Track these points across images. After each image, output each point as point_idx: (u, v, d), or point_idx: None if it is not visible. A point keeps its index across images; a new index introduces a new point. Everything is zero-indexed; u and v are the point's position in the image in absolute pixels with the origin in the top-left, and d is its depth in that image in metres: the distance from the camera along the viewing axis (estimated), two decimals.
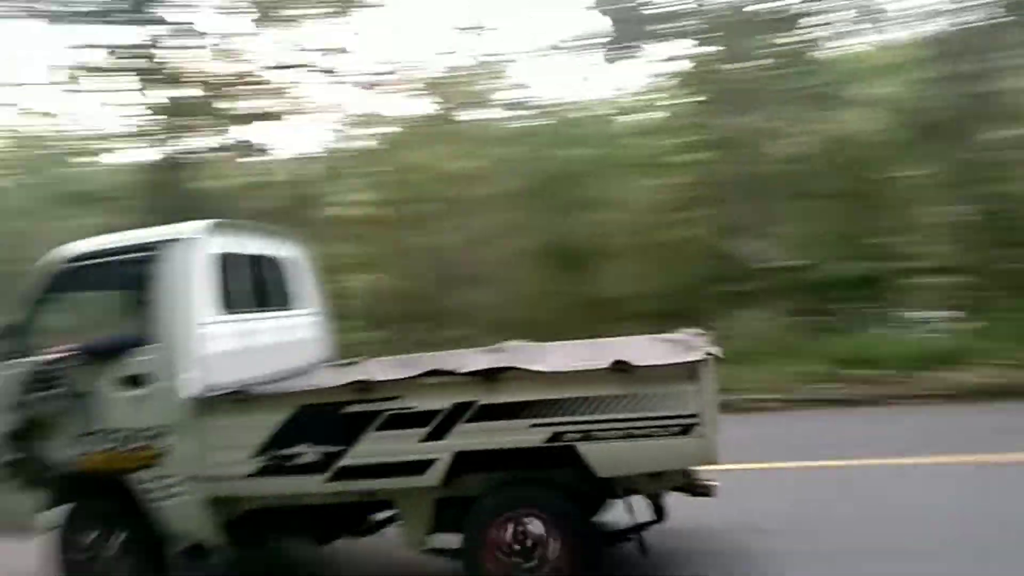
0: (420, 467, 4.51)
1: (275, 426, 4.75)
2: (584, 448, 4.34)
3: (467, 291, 17.74)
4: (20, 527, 5.41)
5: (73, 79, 17.55)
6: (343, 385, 4.76)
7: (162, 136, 16.89)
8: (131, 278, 5.21)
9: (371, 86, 18.12)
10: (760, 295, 15.46)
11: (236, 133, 18.22)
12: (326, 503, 4.97)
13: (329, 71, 17.32)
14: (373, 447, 4.59)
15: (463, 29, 18.41)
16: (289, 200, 18.39)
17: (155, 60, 16.28)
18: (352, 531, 5.54)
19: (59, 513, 5.46)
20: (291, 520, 5.23)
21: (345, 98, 18.93)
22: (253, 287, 5.94)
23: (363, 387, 4.68)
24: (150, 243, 5.29)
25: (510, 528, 4.52)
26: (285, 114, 18.22)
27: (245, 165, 19.60)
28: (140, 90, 17.65)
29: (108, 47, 16.99)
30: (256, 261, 6.09)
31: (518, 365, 4.65)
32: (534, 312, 16.69)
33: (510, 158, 18.48)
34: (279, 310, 6.32)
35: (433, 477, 4.54)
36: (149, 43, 16.18)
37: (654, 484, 4.73)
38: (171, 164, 16.17)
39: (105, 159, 21.80)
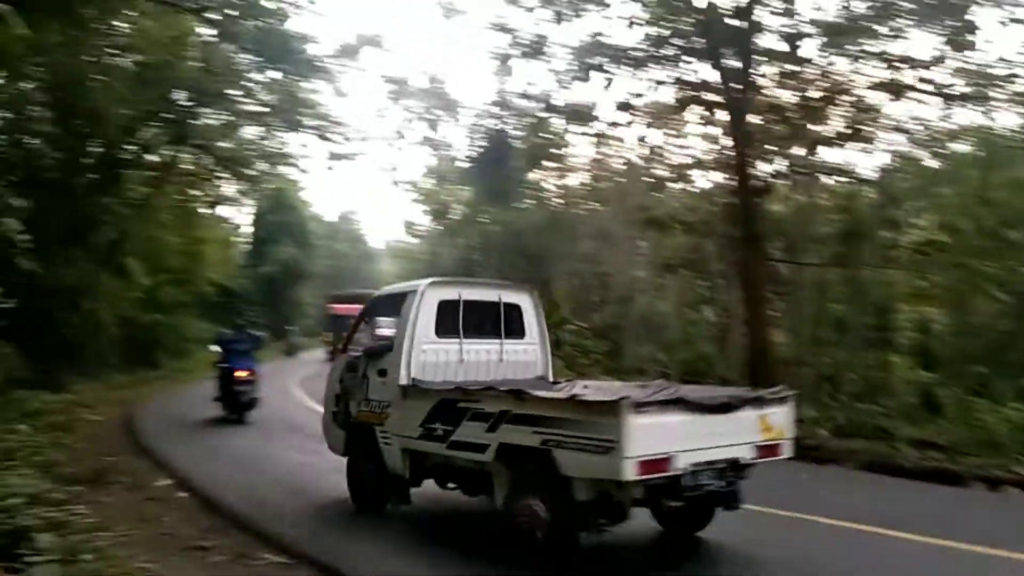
0: (483, 448, 6.55)
1: (429, 409, 7.23)
2: (556, 452, 5.94)
3: None
4: (336, 449, 8.73)
5: (652, 115, 19.55)
6: (455, 388, 7.27)
7: (735, 162, 17.58)
8: (395, 311, 8.16)
9: (960, 97, 16.11)
10: None
11: (808, 156, 18.09)
12: (450, 464, 7.28)
13: (937, 86, 15.80)
14: (465, 430, 6.73)
15: None
16: (847, 224, 17.61)
17: (732, 91, 16.98)
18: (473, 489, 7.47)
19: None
20: (447, 474, 7.59)
21: (924, 113, 17.25)
22: (464, 322, 8.21)
23: (463, 392, 7.04)
24: (404, 292, 8.40)
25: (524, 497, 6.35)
26: (870, 134, 17.35)
27: (812, 188, 19.47)
28: (712, 120, 18.78)
29: (686, 83, 18.35)
30: (470, 305, 8.32)
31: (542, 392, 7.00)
32: None
33: None
34: (489, 339, 8.46)
35: (488, 456, 6.52)
36: (734, 75, 16.75)
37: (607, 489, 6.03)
38: (744, 189, 16.54)
39: (681, 186, 23.94)
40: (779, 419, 6.85)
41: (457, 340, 8.12)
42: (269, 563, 6.03)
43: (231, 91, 26.23)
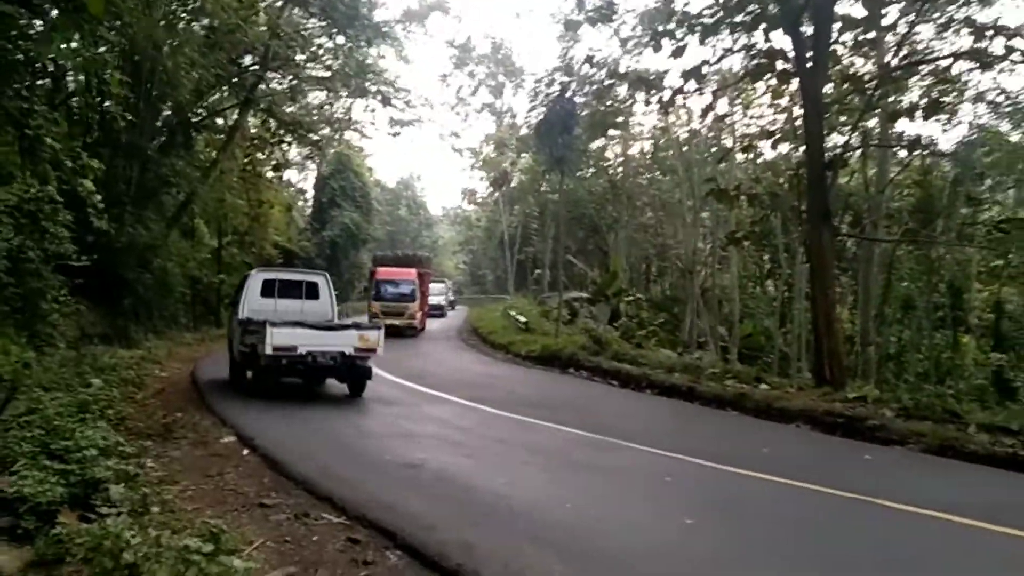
0: (250, 344, 13.36)
1: (241, 330, 13.86)
2: (258, 343, 12.38)
3: None
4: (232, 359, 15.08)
5: (721, 84, 19.07)
6: (243, 320, 14.06)
7: (806, 134, 17.05)
8: (242, 284, 15.46)
9: None
10: None
11: (885, 128, 17.44)
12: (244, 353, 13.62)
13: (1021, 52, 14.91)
14: (247, 338, 13.41)
15: None
16: (922, 199, 16.97)
17: (806, 60, 16.40)
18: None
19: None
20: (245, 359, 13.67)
21: (1012, 84, 16.46)
22: (279, 290, 14.98)
23: (245, 322, 13.87)
24: (246, 275, 16.07)
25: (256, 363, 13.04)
26: (951, 105, 16.60)
27: (884, 161, 18.83)
28: (782, 91, 18.20)
29: (758, 51, 17.77)
30: (283, 282, 15.29)
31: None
32: None
33: None
34: (295, 299, 15.02)
35: (247, 347, 13.28)
36: (808, 42, 16.17)
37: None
38: (814, 161, 16.02)
39: (748, 157, 23.36)
40: (373, 336, 13.18)
41: (273, 300, 14.83)
42: (328, 523, 6.16)
43: (298, 56, 26.49)
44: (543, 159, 29.28)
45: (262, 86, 27.39)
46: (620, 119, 27.02)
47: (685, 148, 28.76)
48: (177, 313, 26.94)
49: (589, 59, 20.32)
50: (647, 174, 38.75)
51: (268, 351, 12.00)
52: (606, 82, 20.37)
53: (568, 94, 22.74)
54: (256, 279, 14.92)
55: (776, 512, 7.07)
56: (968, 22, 14.97)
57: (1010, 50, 14.53)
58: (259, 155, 32.24)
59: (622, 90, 21.29)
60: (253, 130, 31.24)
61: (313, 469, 7.82)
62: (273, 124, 30.30)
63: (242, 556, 4.68)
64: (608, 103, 22.55)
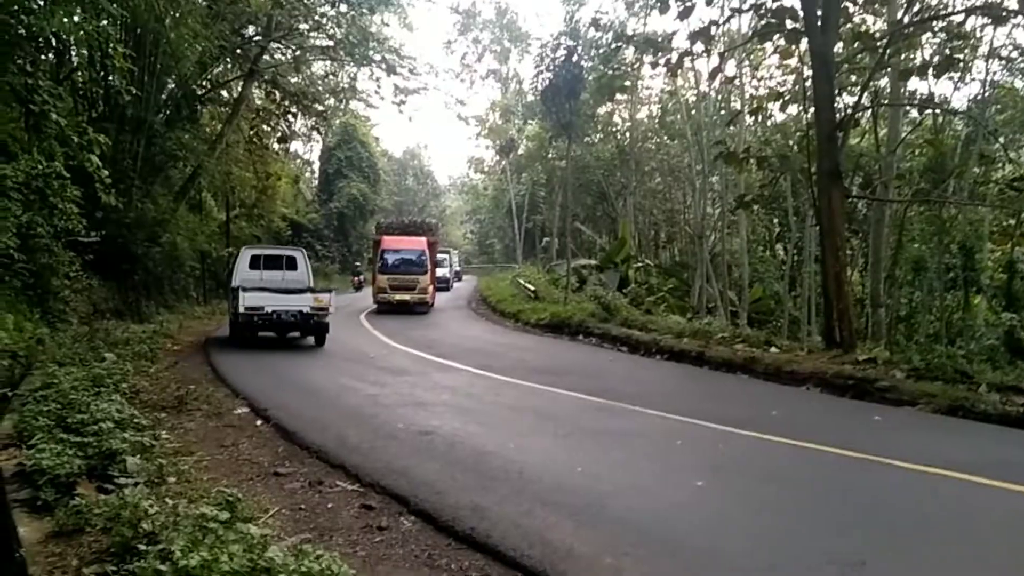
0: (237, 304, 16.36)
1: (234, 295, 16.86)
2: (236, 303, 16.35)
3: None
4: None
5: (733, 46, 18.80)
6: (235, 288, 16.95)
7: (819, 93, 16.79)
8: (233, 260, 19.94)
9: None
10: None
11: (897, 86, 17.17)
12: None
13: None
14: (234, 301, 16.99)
15: None
16: (933, 159, 16.78)
17: (814, 19, 16.07)
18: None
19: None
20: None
21: None
22: (264, 263, 18.27)
23: (235, 289, 16.86)
24: (237, 252, 20.64)
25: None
26: (965, 61, 16.29)
27: (896, 120, 18.59)
28: (791, 51, 17.89)
29: (768, 10, 17.38)
30: (268, 257, 18.71)
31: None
32: None
33: None
34: (277, 271, 18.10)
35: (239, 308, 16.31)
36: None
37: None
38: (823, 122, 15.77)
39: (757, 119, 23.12)
40: (325, 298, 16.38)
41: (259, 271, 17.73)
42: (342, 491, 6.24)
43: (301, 25, 26.26)
44: (550, 125, 29.09)
45: (266, 57, 27.23)
46: (627, 83, 26.76)
47: (693, 112, 28.47)
48: (188, 287, 27.09)
49: (595, 22, 20.13)
50: (655, 139, 38.42)
51: (242, 310, 15.82)
52: (613, 45, 20.16)
53: (574, 58, 22.52)
54: (245, 255, 18.32)
55: (786, 473, 7.11)
56: None
57: None
58: (264, 127, 32.13)
59: (629, 53, 21.09)
60: (258, 102, 31.10)
61: (327, 438, 7.90)
62: (278, 95, 30.16)
63: (258, 523, 4.75)
64: (615, 67, 22.30)
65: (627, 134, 39.32)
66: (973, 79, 18.15)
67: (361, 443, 7.74)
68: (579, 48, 22.79)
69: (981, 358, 12.81)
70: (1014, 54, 17.77)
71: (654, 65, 21.19)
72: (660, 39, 18.52)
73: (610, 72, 22.33)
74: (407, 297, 26.14)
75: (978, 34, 16.74)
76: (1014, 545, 5.29)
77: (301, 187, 47.49)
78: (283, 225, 39.08)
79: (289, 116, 32.46)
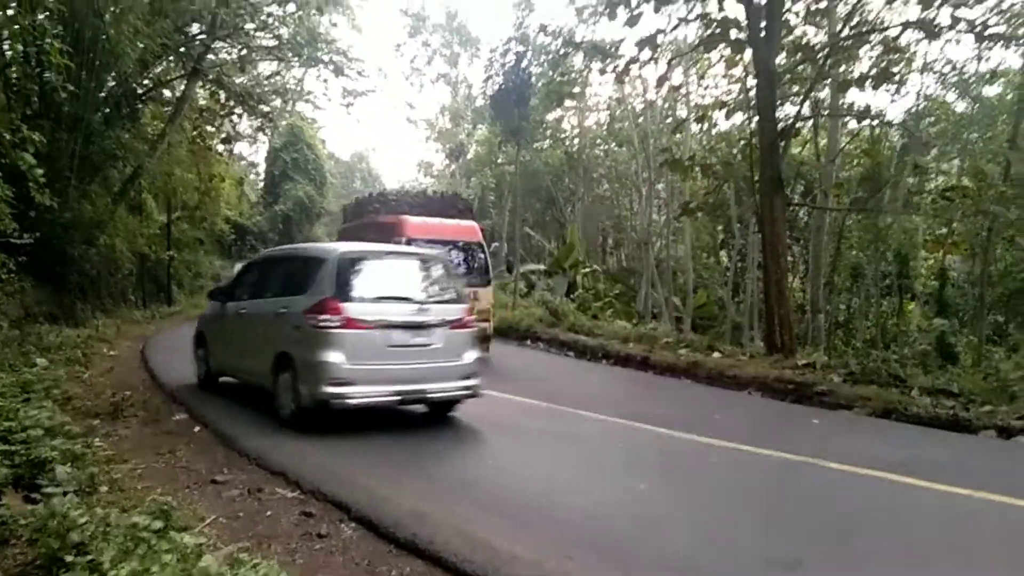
0: None
1: None
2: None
3: None
4: None
5: (675, 53, 19.09)
6: None
7: (759, 103, 17.13)
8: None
9: (998, 38, 15.43)
10: None
11: (836, 97, 17.65)
12: None
13: (975, 25, 15.08)
14: None
15: None
16: (871, 168, 17.28)
17: (758, 29, 16.39)
18: None
19: None
20: None
21: (957, 54, 16.73)
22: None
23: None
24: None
25: None
26: (900, 75, 16.80)
27: (835, 130, 19.11)
28: (736, 60, 18.26)
29: (712, 20, 17.68)
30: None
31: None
32: None
33: None
34: None
35: None
36: (761, 11, 16.12)
37: None
38: (766, 131, 16.09)
39: (702, 127, 23.47)
40: None
41: None
42: (282, 497, 6.14)
43: (247, 24, 25.83)
44: (499, 130, 29.13)
45: (210, 56, 26.69)
46: (576, 89, 26.96)
47: (640, 119, 28.84)
48: (126, 290, 26.37)
49: (544, 28, 20.22)
50: (603, 145, 38.79)
51: None
52: (561, 51, 20.29)
53: (524, 64, 22.61)
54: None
55: (726, 476, 7.24)
56: None
57: (956, 20, 14.81)
58: (208, 127, 31.47)
59: (577, 60, 21.23)
60: (202, 102, 30.47)
61: (266, 443, 7.76)
62: (222, 95, 29.60)
63: (193, 532, 4.64)
64: (564, 73, 22.45)
65: (576, 140, 39.61)
66: (908, 92, 18.75)
67: (302, 448, 7.62)
68: (528, 54, 22.90)
69: (914, 362, 13.24)
70: (946, 68, 18.38)
71: (602, 72, 21.40)
72: (608, 46, 18.73)
73: (559, 78, 22.48)
74: None
75: (913, 48, 17.28)
76: (944, 543, 5.48)
77: (245, 189, 46.67)
78: (227, 228, 38.34)
79: (234, 116, 31.87)
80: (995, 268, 16.09)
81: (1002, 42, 15.53)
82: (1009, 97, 17.79)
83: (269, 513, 5.75)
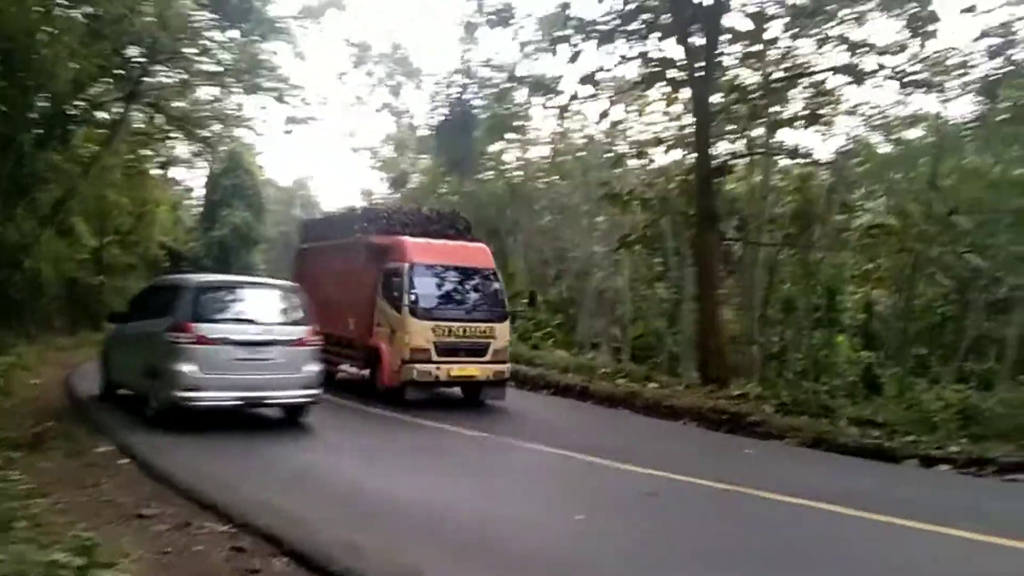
0: None
1: None
2: None
3: (999, 319, 15.16)
4: None
5: (616, 90, 19.54)
6: None
7: (695, 141, 17.59)
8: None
9: (918, 84, 16.25)
10: None
11: (769, 136, 18.26)
12: None
13: (897, 73, 15.88)
14: None
15: None
16: (801, 205, 17.89)
17: (696, 69, 16.90)
18: None
19: None
20: None
21: (881, 99, 17.50)
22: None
23: None
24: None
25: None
26: (828, 117, 17.51)
27: (768, 168, 19.74)
28: (675, 98, 18.81)
29: (651, 60, 18.19)
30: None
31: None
32: None
33: None
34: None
35: None
36: (699, 53, 16.65)
37: None
38: (702, 167, 16.52)
39: (641, 162, 23.97)
40: None
41: None
42: (211, 532, 5.97)
43: (187, 49, 25.49)
44: (443, 161, 29.24)
45: (149, 79, 26.22)
46: (518, 123, 27.28)
47: (582, 153, 29.27)
48: (51, 316, 25.43)
49: (487, 62, 20.48)
50: (546, 178, 39.21)
51: None
52: (504, 85, 20.54)
53: (467, 96, 22.83)
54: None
55: (662, 506, 7.32)
56: (843, 39, 15.93)
57: (880, 66, 15.58)
58: (144, 151, 30.79)
59: (521, 94, 21.50)
60: (141, 125, 29.84)
61: (196, 476, 7.55)
62: (161, 119, 29.04)
63: (118, 569, 4.49)
64: (507, 106, 22.72)
65: (519, 172, 39.95)
66: (837, 133, 19.52)
67: (232, 480, 7.44)
68: (473, 87, 23.15)
69: (843, 393, 13.64)
70: (872, 112, 19.19)
71: (545, 107, 21.76)
72: (550, 81, 19.06)
73: (502, 111, 22.73)
74: (474, 371, 13.21)
75: (841, 92, 18.01)
76: (871, 571, 5.63)
77: (181, 214, 45.71)
78: (161, 253, 37.41)
79: (171, 141, 31.27)
80: (918, 303, 16.74)
81: (923, 88, 16.37)
82: (929, 140, 18.70)
83: (199, 548, 5.59)
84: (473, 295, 13.85)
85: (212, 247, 48.41)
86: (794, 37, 16.80)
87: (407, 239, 13.88)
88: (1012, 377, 13.77)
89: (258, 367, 9.98)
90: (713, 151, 17.13)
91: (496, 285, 14.16)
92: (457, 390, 14.13)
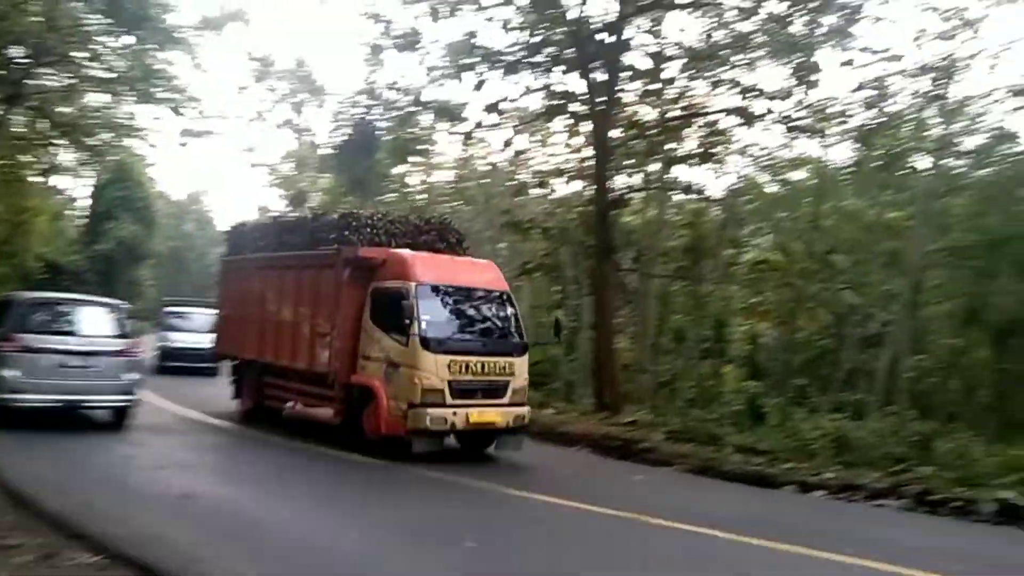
0: None
1: None
2: None
3: (872, 352, 16.13)
4: None
5: (520, 120, 19.87)
6: None
7: (595, 173, 17.98)
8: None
9: (802, 130, 17.24)
10: None
11: (665, 172, 18.90)
12: None
13: (784, 117, 16.77)
14: None
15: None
16: (693, 240, 18.58)
17: (597, 104, 17.35)
18: None
19: None
20: None
21: (769, 141, 18.43)
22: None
23: None
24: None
25: None
26: (721, 156, 18.29)
27: (665, 203, 20.41)
28: (577, 131, 19.29)
29: (554, 93, 18.57)
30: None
31: None
32: (947, 381, 14.63)
33: (949, 211, 16.45)
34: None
35: None
36: (600, 88, 17.09)
37: None
38: (601, 199, 16.87)
39: (543, 192, 24.36)
40: None
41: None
42: (79, 563, 5.63)
43: (76, 53, 24.35)
44: (344, 181, 28.82)
45: (32, 81, 24.86)
46: (423, 147, 27.26)
47: (486, 180, 29.48)
48: None
49: (392, 85, 20.42)
50: (449, 203, 39.28)
51: None
52: (409, 109, 20.52)
53: (371, 117, 22.63)
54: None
55: (551, 533, 7.40)
56: (735, 83, 16.78)
57: (769, 111, 16.48)
58: (25, 157, 29.06)
59: (426, 118, 21.50)
60: (23, 129, 28.17)
61: (68, 503, 7.12)
62: (44, 124, 27.51)
63: None
64: (411, 130, 22.66)
65: (422, 196, 39.87)
66: (728, 172, 20.41)
67: (109, 508, 7.07)
68: (378, 108, 22.94)
69: (729, 422, 14.15)
70: (760, 152, 20.18)
71: (450, 132, 21.87)
72: (455, 107, 19.20)
73: (406, 135, 22.66)
74: (494, 416, 10.91)
75: (732, 133, 18.87)
76: None
77: (63, 225, 43.29)
78: (38, 265, 35.29)
79: (55, 147, 29.64)
80: (799, 336, 17.62)
81: (806, 133, 17.39)
82: (812, 183, 19.84)
83: None
84: (489, 323, 11.67)
85: (97, 261, 45.98)
86: (691, 78, 17.57)
87: (409, 253, 11.54)
88: (881, 407, 14.67)
89: (79, 375, 11.05)
90: (611, 184, 17.65)
91: (512, 310, 11.98)
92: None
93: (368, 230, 12.16)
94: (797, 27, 15.77)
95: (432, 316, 10.69)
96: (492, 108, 18.34)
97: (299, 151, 55.11)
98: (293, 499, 8.16)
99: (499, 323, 11.69)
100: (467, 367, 10.60)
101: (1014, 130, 17.45)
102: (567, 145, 21.54)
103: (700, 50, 16.69)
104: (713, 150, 18.22)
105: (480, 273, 12.10)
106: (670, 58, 17.11)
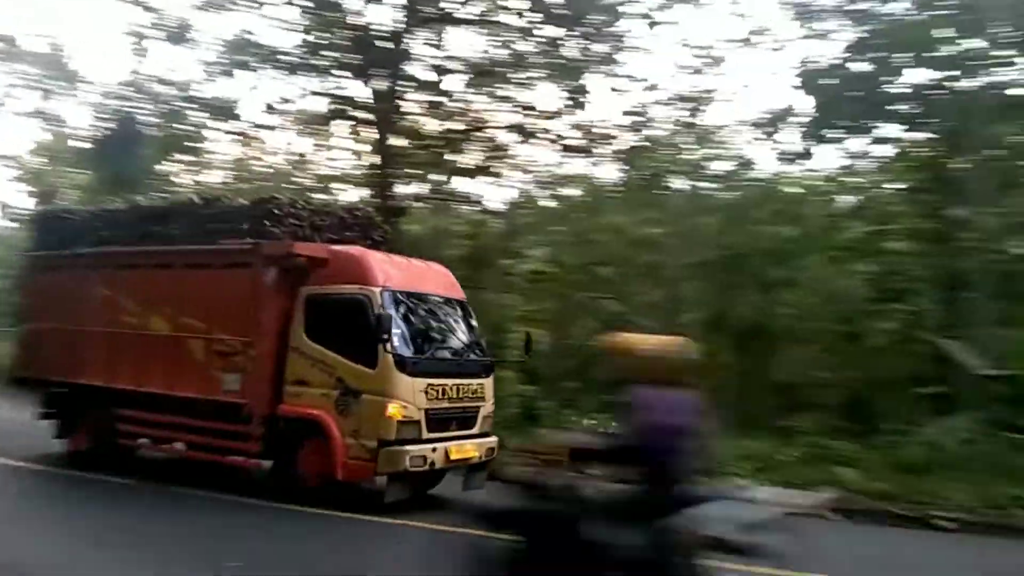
0: None
1: None
2: None
3: None
4: None
5: (301, 123, 19.39)
6: None
7: (378, 181, 17.87)
8: None
9: (574, 148, 18.26)
10: (958, 401, 13.80)
11: (447, 183, 19.22)
12: None
13: (558, 136, 17.58)
14: None
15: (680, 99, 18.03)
16: (474, 250, 19.06)
17: (381, 112, 17.28)
18: None
19: None
20: None
21: (544, 157, 19.37)
22: None
23: None
24: None
25: None
26: (500, 169, 18.91)
27: (447, 213, 20.72)
28: (357, 137, 19.15)
29: (336, 97, 18.23)
30: None
31: None
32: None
33: (701, 229, 18.17)
34: None
35: None
36: (385, 93, 16.98)
37: None
38: (384, 207, 16.79)
39: (326, 197, 23.84)
40: None
41: None
42: None
43: None
44: (103, 177, 26.44)
45: None
46: (194, 144, 25.70)
47: (266, 183, 28.29)
48: None
49: (160, 79, 19.17)
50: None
51: None
52: (178, 104, 19.33)
53: (135, 111, 20.99)
54: None
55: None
56: (511, 100, 17.58)
57: (545, 129, 17.43)
58: None
59: (199, 115, 20.29)
60: None
61: None
62: None
63: None
64: (180, 126, 21.29)
65: (193, 196, 37.50)
66: (508, 185, 21.19)
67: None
68: (144, 101, 21.28)
69: (508, 425, 14.62)
70: (538, 168, 21.15)
71: (225, 131, 20.86)
72: (229, 105, 18.40)
73: (174, 131, 21.22)
74: (471, 449, 9.74)
75: (512, 149, 19.64)
76: None
77: None
78: None
79: None
80: (570, 342, 18.64)
81: (580, 153, 18.56)
82: (583, 199, 21.14)
83: None
84: (455, 338, 10.24)
85: None
86: (473, 93, 18.09)
87: (362, 251, 9.88)
88: None
89: None
90: (395, 192, 17.73)
91: (473, 322, 10.76)
92: None
93: (292, 220, 10.11)
94: (571, 51, 16.83)
95: (402, 331, 9.05)
96: (270, 109, 17.83)
97: (50, 143, 49.88)
98: None
99: (465, 338, 10.41)
100: (443, 392, 9.15)
101: (752, 158, 19.72)
102: (351, 151, 21.34)
103: (481, 65, 17.26)
104: (493, 164, 18.89)
105: (437, 278, 10.65)
106: (451, 71, 17.54)
